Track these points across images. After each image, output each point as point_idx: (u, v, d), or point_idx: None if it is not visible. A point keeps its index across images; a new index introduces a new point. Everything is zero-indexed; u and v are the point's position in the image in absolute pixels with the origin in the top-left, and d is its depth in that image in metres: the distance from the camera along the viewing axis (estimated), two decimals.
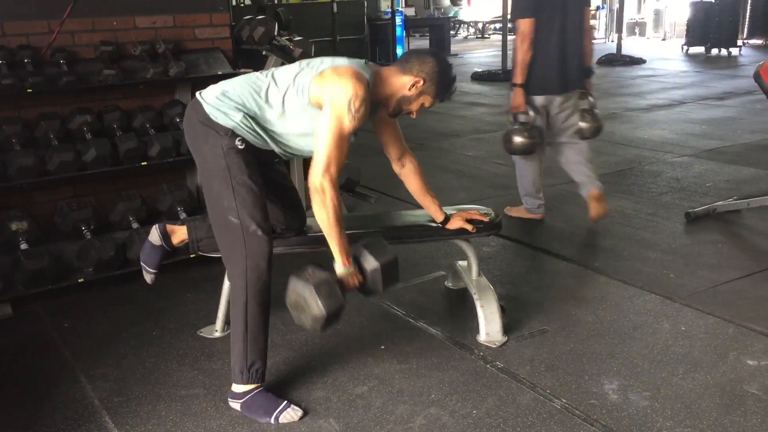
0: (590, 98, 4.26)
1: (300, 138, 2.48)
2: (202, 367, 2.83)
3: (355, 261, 2.46)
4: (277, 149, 2.51)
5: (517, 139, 4.12)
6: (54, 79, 3.67)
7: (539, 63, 4.05)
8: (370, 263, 2.46)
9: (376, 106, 2.60)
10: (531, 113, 4.14)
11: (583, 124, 4.19)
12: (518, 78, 4.06)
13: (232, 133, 2.39)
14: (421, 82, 2.50)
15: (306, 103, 2.39)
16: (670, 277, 3.54)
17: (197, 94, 2.51)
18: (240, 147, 2.40)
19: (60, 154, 3.55)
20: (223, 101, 2.42)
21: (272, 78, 2.48)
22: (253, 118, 2.41)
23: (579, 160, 4.34)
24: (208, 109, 2.42)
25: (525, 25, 4.01)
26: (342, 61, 2.43)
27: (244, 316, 2.43)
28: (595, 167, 4.39)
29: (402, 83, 2.51)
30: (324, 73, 2.38)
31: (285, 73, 2.49)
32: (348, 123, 2.34)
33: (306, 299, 2.32)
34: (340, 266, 2.42)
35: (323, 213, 2.35)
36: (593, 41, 4.58)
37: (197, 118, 2.45)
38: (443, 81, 2.54)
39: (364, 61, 2.50)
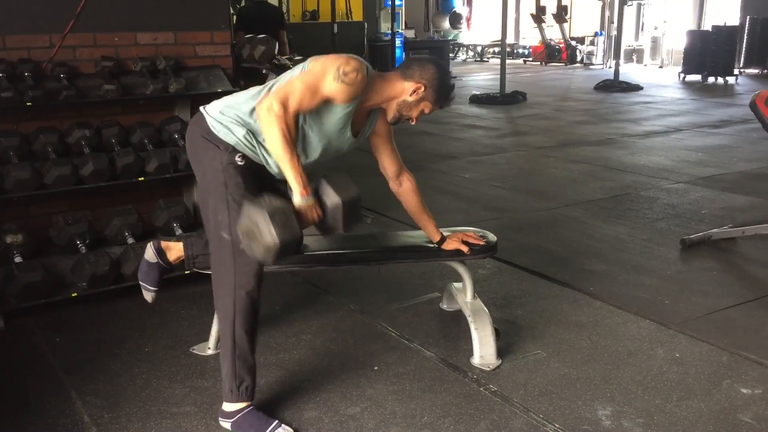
0: None
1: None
2: (193, 385, 2.81)
3: (315, 195, 2.35)
4: (272, 167, 2.51)
5: None
6: (54, 93, 3.68)
7: None
8: (331, 198, 2.33)
9: (375, 117, 2.61)
10: None
11: None
12: None
13: (232, 149, 2.39)
14: (422, 89, 2.51)
15: None
16: (665, 304, 3.54)
17: (201, 108, 2.52)
18: (240, 163, 2.39)
19: (57, 167, 3.54)
20: (227, 115, 2.42)
21: (276, 81, 2.47)
22: (254, 133, 2.42)
23: None
24: (210, 122, 2.43)
25: (239, 35, 5.76)
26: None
27: (232, 334, 2.42)
28: None
29: (403, 88, 2.52)
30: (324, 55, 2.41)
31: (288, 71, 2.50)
32: (330, 81, 2.29)
33: (259, 226, 2.16)
34: (297, 196, 2.30)
35: (272, 132, 2.26)
36: (286, 52, 6.42)
37: (199, 132, 2.45)
38: (443, 88, 2.56)
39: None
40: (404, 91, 2.52)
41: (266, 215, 2.16)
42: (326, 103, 2.37)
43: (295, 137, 2.39)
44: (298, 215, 2.28)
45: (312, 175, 2.39)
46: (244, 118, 2.42)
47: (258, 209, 2.18)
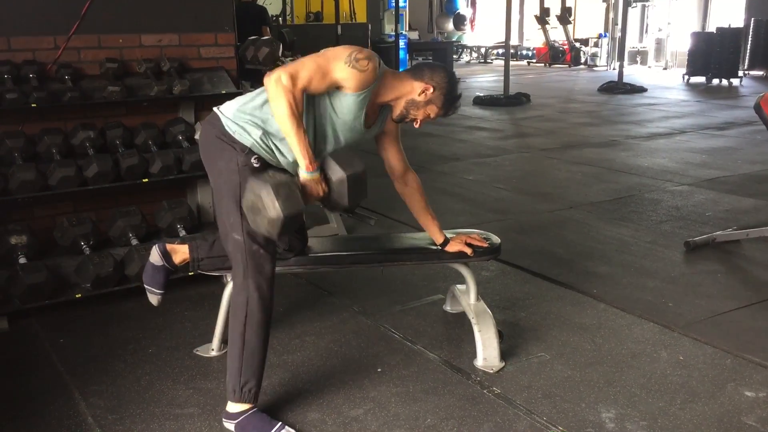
0: None
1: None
2: (197, 386, 2.81)
3: (321, 171, 2.37)
4: (285, 165, 2.50)
5: None
6: (58, 94, 3.69)
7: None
8: (337, 173, 2.35)
9: (386, 115, 2.61)
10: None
11: None
12: None
13: (249, 151, 2.38)
14: (431, 90, 2.51)
15: None
16: (669, 306, 3.53)
17: (215, 108, 2.51)
18: (255, 165, 2.38)
19: (62, 169, 3.55)
20: (242, 115, 2.41)
21: None
22: (270, 135, 2.40)
23: None
24: (226, 123, 2.41)
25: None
26: None
27: (242, 333, 2.42)
28: None
29: (412, 87, 2.52)
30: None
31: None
32: (341, 66, 2.29)
33: (263, 200, 2.19)
34: (303, 170, 2.33)
35: (279, 103, 2.24)
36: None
37: (214, 132, 2.43)
38: (450, 93, 2.56)
39: None
40: (413, 90, 2.52)
41: (270, 189, 2.18)
42: (338, 90, 2.36)
43: (307, 126, 2.38)
44: (303, 190, 2.30)
45: (319, 156, 2.39)
46: (261, 116, 2.40)
47: (262, 183, 2.20)
